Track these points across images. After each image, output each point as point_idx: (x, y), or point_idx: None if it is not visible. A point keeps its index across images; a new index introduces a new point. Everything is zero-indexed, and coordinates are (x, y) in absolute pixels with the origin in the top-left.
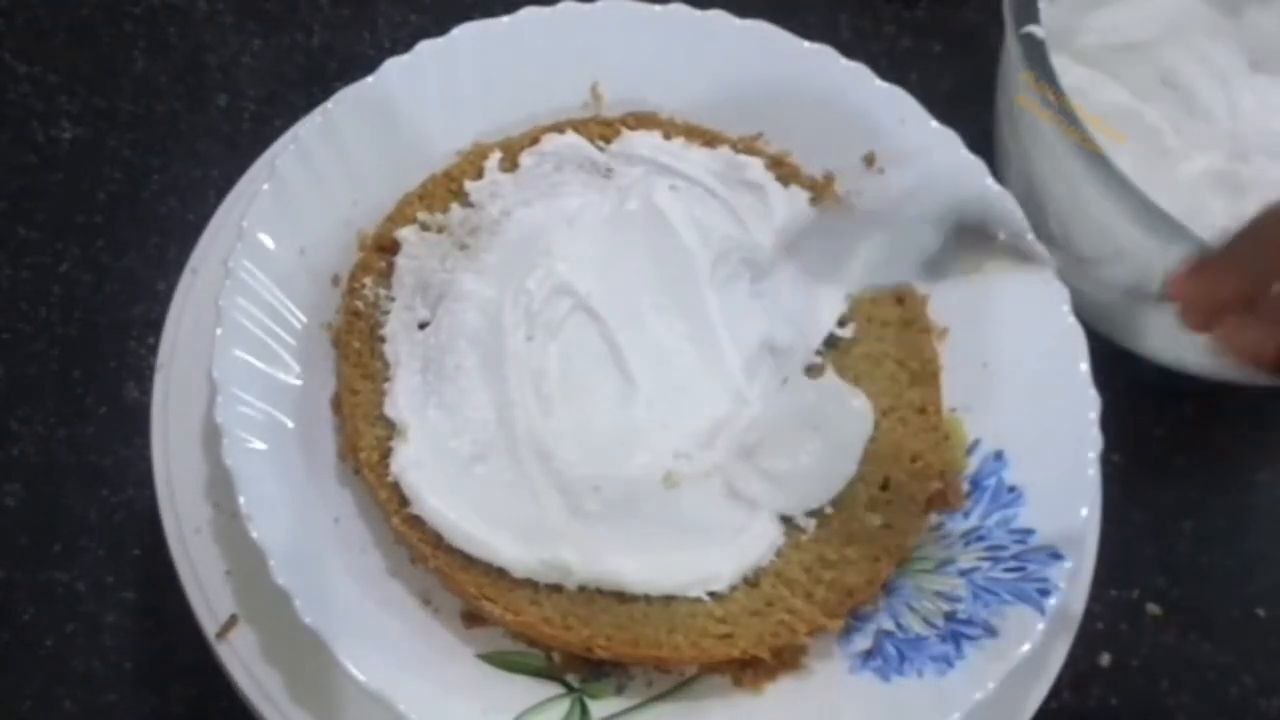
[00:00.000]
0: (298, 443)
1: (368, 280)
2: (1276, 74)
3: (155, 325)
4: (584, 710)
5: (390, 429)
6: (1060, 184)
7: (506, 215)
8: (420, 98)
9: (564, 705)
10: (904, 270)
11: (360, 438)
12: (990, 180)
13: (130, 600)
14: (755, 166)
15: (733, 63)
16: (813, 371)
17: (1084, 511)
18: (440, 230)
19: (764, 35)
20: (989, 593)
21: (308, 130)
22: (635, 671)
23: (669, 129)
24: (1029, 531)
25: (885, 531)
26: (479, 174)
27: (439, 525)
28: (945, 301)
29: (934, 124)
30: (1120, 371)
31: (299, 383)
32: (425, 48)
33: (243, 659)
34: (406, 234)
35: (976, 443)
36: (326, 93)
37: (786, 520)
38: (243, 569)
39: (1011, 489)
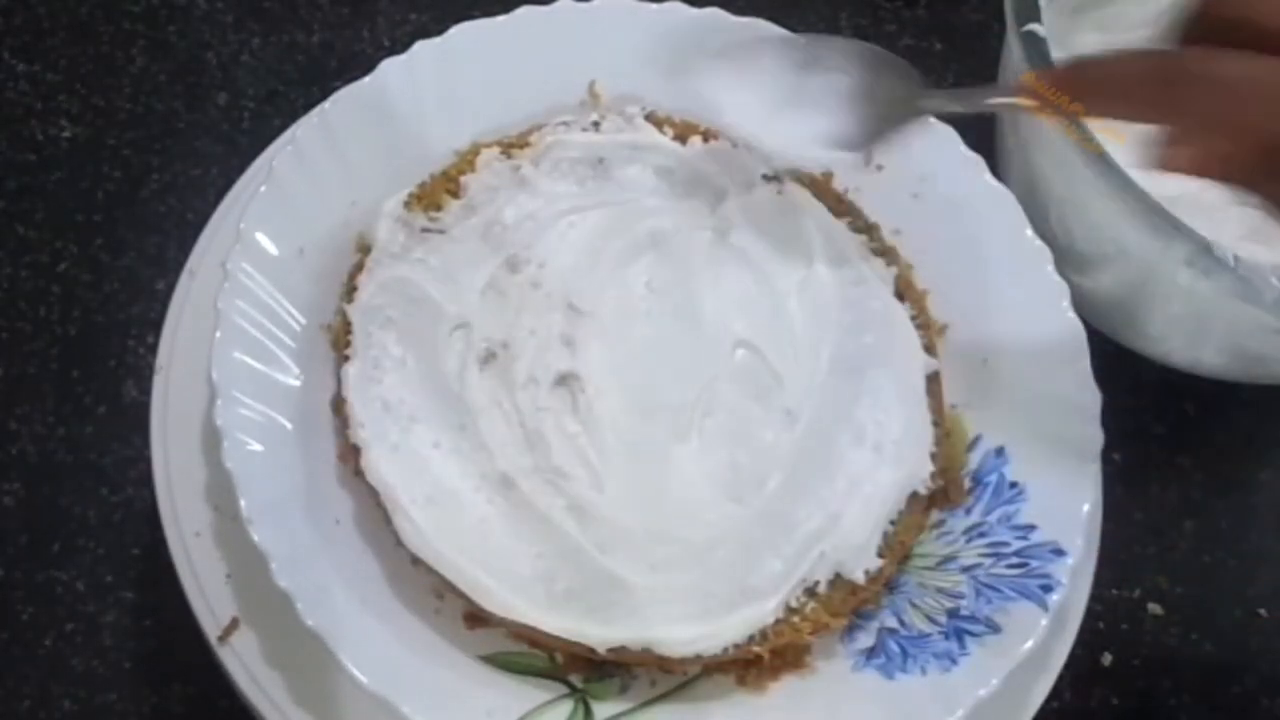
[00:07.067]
0: (297, 444)
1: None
2: None
3: (154, 325)
4: (587, 711)
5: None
6: (1060, 184)
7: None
8: (418, 97)
9: (567, 706)
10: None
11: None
12: (989, 177)
13: (130, 600)
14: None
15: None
16: None
17: (1086, 507)
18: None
19: (762, 34)
20: (992, 589)
21: (305, 131)
22: (638, 672)
23: (666, 126)
24: (1031, 527)
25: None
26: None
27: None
28: (945, 298)
29: (934, 123)
30: (1120, 371)
31: (298, 384)
32: (422, 47)
33: (244, 661)
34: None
35: (978, 439)
36: (326, 92)
37: None
38: (243, 572)
39: (1013, 485)
